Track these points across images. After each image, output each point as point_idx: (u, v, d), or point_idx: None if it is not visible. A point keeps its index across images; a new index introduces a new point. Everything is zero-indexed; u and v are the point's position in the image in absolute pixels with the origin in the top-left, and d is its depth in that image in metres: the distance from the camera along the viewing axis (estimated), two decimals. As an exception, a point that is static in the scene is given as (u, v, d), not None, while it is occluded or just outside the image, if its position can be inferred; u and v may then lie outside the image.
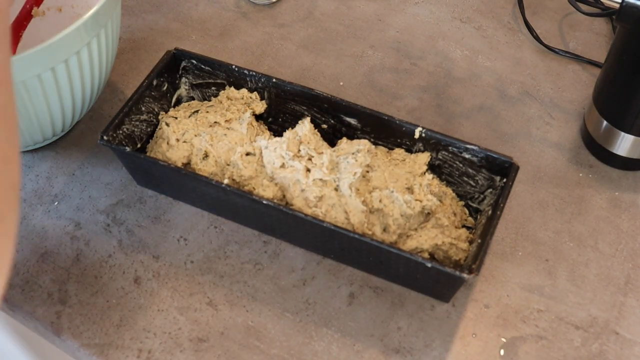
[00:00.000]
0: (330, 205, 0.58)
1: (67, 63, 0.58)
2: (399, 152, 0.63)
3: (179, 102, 0.68)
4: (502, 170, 0.59)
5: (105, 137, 0.60)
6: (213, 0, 0.84)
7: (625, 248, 0.62)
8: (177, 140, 0.63)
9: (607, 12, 0.77)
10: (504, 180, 0.58)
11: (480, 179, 0.61)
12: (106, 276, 0.60)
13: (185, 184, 0.61)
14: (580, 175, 0.68)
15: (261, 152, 0.61)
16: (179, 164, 0.62)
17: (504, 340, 0.57)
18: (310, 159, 0.60)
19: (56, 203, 0.65)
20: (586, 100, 0.74)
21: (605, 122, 0.66)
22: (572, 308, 0.59)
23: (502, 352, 0.56)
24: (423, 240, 0.57)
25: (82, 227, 0.63)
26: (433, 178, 0.61)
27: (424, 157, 0.61)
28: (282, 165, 0.60)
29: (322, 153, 0.60)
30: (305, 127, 0.62)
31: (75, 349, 0.56)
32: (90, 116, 0.71)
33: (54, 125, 0.64)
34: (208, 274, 0.60)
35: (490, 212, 0.57)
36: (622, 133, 0.65)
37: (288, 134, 0.62)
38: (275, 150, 0.60)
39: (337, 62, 0.77)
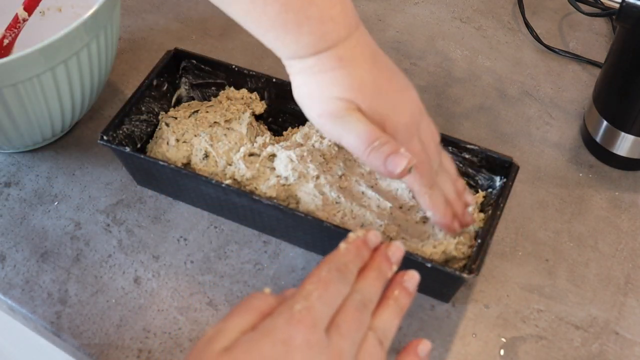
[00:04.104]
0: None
1: (67, 63, 0.58)
2: None
3: (179, 102, 0.68)
4: (502, 170, 0.59)
5: (105, 137, 0.60)
6: (213, 0, 0.84)
7: (625, 248, 0.62)
8: (177, 140, 0.63)
9: (607, 12, 0.77)
10: (504, 180, 0.58)
11: (481, 179, 0.61)
12: (106, 276, 0.60)
13: (185, 184, 0.61)
14: (580, 175, 0.68)
15: (269, 156, 0.61)
16: (179, 164, 0.62)
17: (504, 340, 0.57)
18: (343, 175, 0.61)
19: (56, 203, 0.65)
20: (586, 100, 0.74)
21: (605, 122, 0.66)
22: (572, 308, 0.59)
23: (502, 352, 0.56)
24: (442, 248, 0.57)
25: (82, 227, 0.63)
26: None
27: None
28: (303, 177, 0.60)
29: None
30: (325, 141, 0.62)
31: (75, 349, 0.56)
32: (90, 116, 0.71)
33: (53, 126, 0.64)
34: (208, 274, 0.60)
35: (490, 212, 0.57)
36: (622, 133, 0.65)
37: (305, 147, 0.61)
38: (299, 165, 0.60)
39: (337, 62, 0.77)
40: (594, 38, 0.80)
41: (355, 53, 0.49)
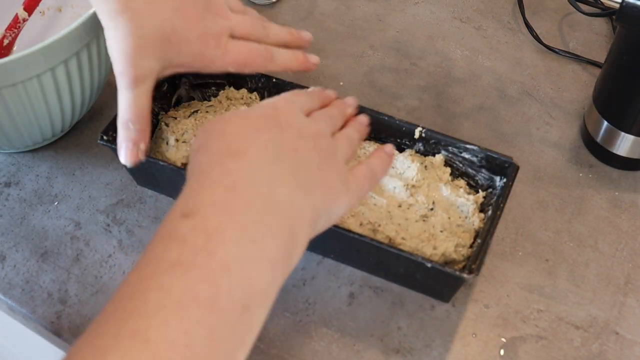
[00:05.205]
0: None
1: (67, 63, 0.59)
2: (410, 153, 0.63)
3: (179, 102, 0.68)
4: (502, 170, 0.59)
5: (105, 137, 0.60)
6: (213, 0, 0.84)
7: (625, 248, 0.62)
8: (177, 140, 0.63)
9: (607, 12, 0.77)
10: (504, 180, 0.58)
11: (480, 179, 0.61)
12: (106, 276, 0.60)
13: None
14: (580, 175, 0.68)
15: None
16: (179, 164, 0.62)
17: (504, 340, 0.57)
18: None
19: (56, 203, 0.65)
20: (586, 100, 0.74)
21: (605, 122, 0.66)
22: (572, 308, 0.59)
23: (502, 352, 0.56)
24: (441, 250, 0.57)
25: (82, 227, 0.63)
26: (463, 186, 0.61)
27: (441, 161, 0.61)
28: None
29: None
30: None
31: (75, 349, 0.56)
32: (90, 116, 0.71)
33: (53, 126, 0.64)
34: (208, 274, 0.60)
35: (490, 212, 0.57)
36: (622, 133, 0.65)
37: None
38: None
39: (337, 62, 0.77)
40: (594, 38, 0.80)
41: None
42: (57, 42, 0.56)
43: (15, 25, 0.68)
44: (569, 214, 0.65)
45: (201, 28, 0.56)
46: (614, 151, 0.67)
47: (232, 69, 0.58)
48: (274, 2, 0.84)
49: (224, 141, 0.45)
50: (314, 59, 0.63)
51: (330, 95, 0.58)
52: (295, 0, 0.84)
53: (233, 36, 0.58)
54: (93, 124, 0.71)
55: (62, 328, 0.57)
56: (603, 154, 0.68)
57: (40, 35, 0.73)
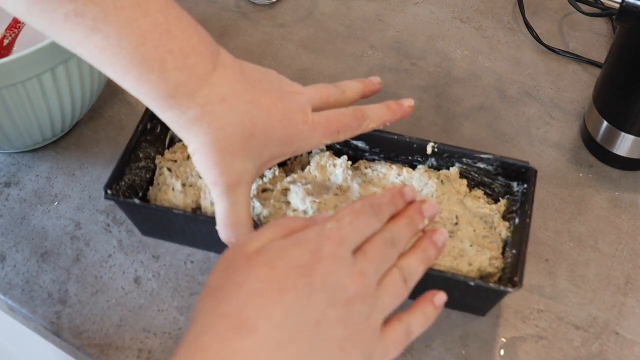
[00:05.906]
0: None
1: (67, 63, 0.58)
2: (425, 169, 0.61)
3: (172, 141, 0.64)
4: (519, 175, 0.58)
5: (109, 192, 0.56)
6: (213, 1, 0.84)
7: (625, 248, 0.62)
8: (183, 185, 0.60)
9: (607, 12, 0.77)
10: (523, 185, 0.57)
11: (497, 187, 0.60)
12: (106, 276, 0.60)
13: (200, 230, 0.58)
14: (580, 175, 0.68)
15: (282, 190, 0.58)
16: (189, 210, 0.58)
17: (504, 340, 0.57)
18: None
19: (56, 203, 0.65)
20: (586, 100, 0.74)
21: (605, 122, 0.66)
22: (572, 308, 0.59)
23: (502, 352, 0.56)
24: (477, 265, 0.55)
25: (82, 227, 0.63)
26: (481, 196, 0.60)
27: (456, 174, 0.60)
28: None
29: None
30: (341, 173, 0.59)
31: (75, 349, 0.56)
32: (90, 116, 0.71)
33: (53, 126, 0.64)
34: (208, 274, 0.60)
35: (517, 219, 0.56)
36: (622, 133, 0.65)
37: (331, 190, 0.58)
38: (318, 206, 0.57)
39: (337, 62, 0.77)
40: (594, 38, 0.80)
41: (230, 83, 0.50)
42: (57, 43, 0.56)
43: (15, 25, 0.68)
44: (569, 214, 0.65)
45: (281, 111, 0.51)
46: (614, 151, 0.67)
47: (326, 140, 0.53)
48: (274, 2, 0.84)
49: (237, 300, 0.39)
50: (407, 102, 0.57)
51: (407, 195, 0.47)
52: (295, 0, 0.84)
53: (314, 108, 0.54)
54: (93, 124, 0.71)
55: (62, 328, 0.57)
56: (603, 154, 0.68)
57: (40, 35, 0.73)
